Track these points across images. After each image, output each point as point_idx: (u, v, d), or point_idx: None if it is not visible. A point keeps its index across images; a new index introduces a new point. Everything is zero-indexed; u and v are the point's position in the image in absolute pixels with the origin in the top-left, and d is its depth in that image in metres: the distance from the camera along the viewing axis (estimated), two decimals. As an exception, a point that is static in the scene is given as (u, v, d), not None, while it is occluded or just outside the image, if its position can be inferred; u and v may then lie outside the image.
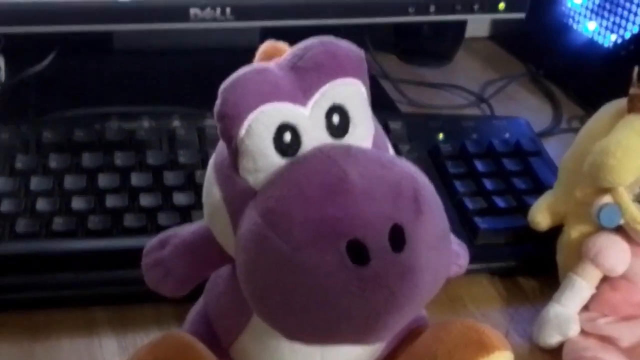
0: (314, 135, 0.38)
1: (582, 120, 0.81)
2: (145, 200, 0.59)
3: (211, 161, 0.41)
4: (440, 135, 0.70)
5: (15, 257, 0.54)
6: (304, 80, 0.37)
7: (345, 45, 0.38)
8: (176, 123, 0.68)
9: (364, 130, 0.39)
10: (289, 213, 0.35)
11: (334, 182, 0.35)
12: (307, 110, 0.37)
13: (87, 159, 0.62)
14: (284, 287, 0.35)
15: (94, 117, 0.69)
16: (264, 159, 0.37)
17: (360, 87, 0.39)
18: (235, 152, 0.37)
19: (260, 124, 0.36)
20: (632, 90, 0.51)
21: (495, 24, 1.00)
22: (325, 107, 0.38)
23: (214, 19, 0.71)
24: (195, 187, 0.61)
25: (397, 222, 0.34)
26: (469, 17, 0.78)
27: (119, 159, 0.62)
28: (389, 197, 0.35)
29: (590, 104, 0.83)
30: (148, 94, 0.77)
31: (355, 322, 0.35)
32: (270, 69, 0.38)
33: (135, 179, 0.61)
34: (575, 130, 0.79)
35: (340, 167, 0.36)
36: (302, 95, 0.37)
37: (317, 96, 0.38)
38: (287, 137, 0.37)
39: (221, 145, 0.40)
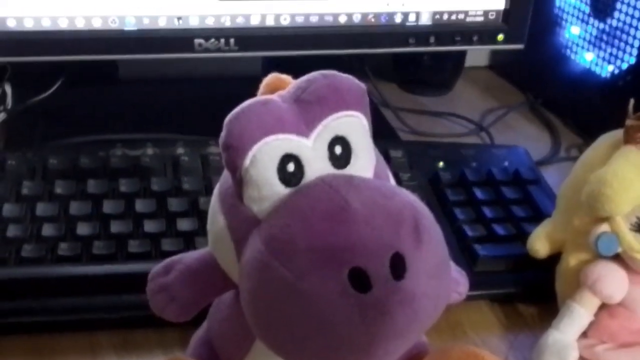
0: (317, 165, 0.38)
1: (581, 149, 0.83)
2: (149, 226, 0.60)
3: (215, 190, 0.42)
4: (441, 164, 0.71)
5: (20, 282, 0.55)
6: (307, 112, 0.38)
7: (348, 79, 0.40)
8: (180, 150, 0.69)
9: (365, 161, 0.40)
10: (293, 241, 0.36)
11: (336, 211, 0.36)
12: (310, 141, 0.38)
13: (93, 186, 0.63)
14: (287, 314, 0.36)
15: (99, 144, 0.70)
16: (268, 188, 0.38)
17: (362, 119, 0.40)
18: (239, 181, 0.38)
19: (264, 155, 0.37)
20: (628, 122, 0.52)
21: (495, 53, 1.02)
22: (328, 138, 0.39)
23: (218, 49, 0.72)
24: (198, 214, 0.61)
25: (398, 251, 0.35)
26: (467, 48, 0.79)
27: (124, 185, 0.63)
28: (390, 226, 0.36)
29: (588, 133, 0.84)
30: (152, 122, 0.78)
31: (357, 349, 0.36)
32: (274, 101, 0.39)
33: (140, 205, 0.62)
34: (574, 159, 0.80)
35: (342, 197, 0.37)
36: (305, 127, 0.38)
37: (319, 128, 0.39)
38: (291, 167, 0.38)
39: (225, 175, 0.41)
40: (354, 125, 0.39)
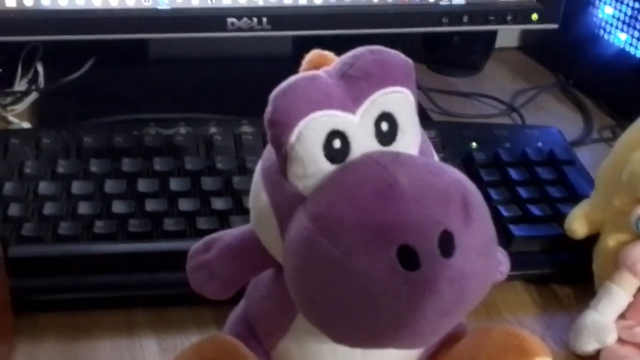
0: (363, 142, 0.38)
1: (613, 131, 0.82)
2: (184, 204, 0.60)
3: (258, 167, 0.42)
4: (474, 144, 0.70)
5: (57, 259, 0.55)
6: (353, 88, 0.38)
7: (395, 55, 0.39)
8: (213, 129, 0.69)
9: (411, 138, 0.40)
10: (340, 218, 0.36)
11: (384, 188, 0.36)
12: (357, 117, 0.38)
13: (127, 164, 0.63)
14: (334, 291, 0.36)
15: (133, 123, 0.70)
16: (313, 165, 0.38)
17: (408, 95, 0.39)
18: (284, 158, 0.38)
19: (310, 131, 0.37)
20: (671, 101, 0.51)
21: (525, 34, 1.01)
22: (375, 114, 0.38)
23: (251, 29, 0.71)
24: (232, 193, 0.62)
25: (446, 228, 0.35)
26: (501, 28, 0.79)
27: (158, 164, 0.64)
28: (439, 203, 0.36)
29: (620, 114, 0.83)
30: (184, 101, 0.78)
31: (404, 327, 0.35)
32: (320, 76, 0.38)
33: (174, 184, 0.62)
34: (607, 140, 0.81)
35: (390, 174, 0.36)
36: (351, 103, 0.38)
37: (366, 104, 0.38)
38: (337, 143, 0.38)
39: (268, 151, 0.41)
40: (401, 101, 0.39)
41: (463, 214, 0.36)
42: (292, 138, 0.37)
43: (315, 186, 0.38)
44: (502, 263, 0.46)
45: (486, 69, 0.95)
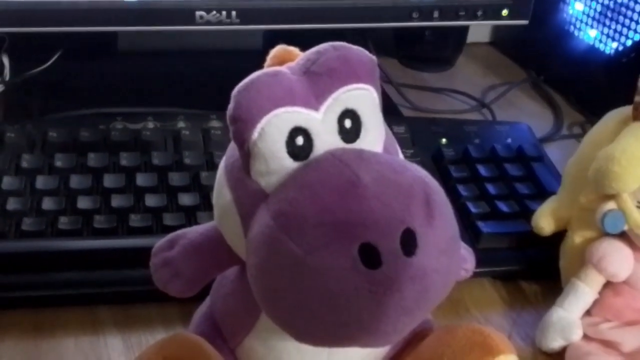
0: (326, 139, 0.38)
1: (583, 127, 0.82)
2: (150, 200, 0.59)
3: (221, 163, 0.42)
4: (443, 140, 0.70)
5: (21, 256, 0.54)
6: (316, 84, 0.38)
7: (358, 51, 0.39)
8: (181, 124, 0.68)
9: (375, 135, 0.39)
10: (302, 216, 0.35)
11: (346, 185, 0.36)
12: (320, 114, 0.38)
13: (93, 159, 0.62)
14: (296, 289, 0.35)
15: (99, 117, 0.70)
16: (276, 162, 0.37)
17: (372, 92, 0.39)
18: (247, 154, 0.38)
19: (273, 127, 0.37)
20: (637, 98, 0.51)
21: (497, 29, 1.01)
22: (338, 111, 0.38)
23: (220, 22, 0.71)
24: (200, 188, 0.61)
25: (409, 226, 0.35)
26: (472, 23, 0.79)
27: (125, 159, 0.63)
28: (401, 201, 0.35)
29: (590, 110, 0.84)
30: (152, 96, 0.78)
31: (366, 325, 0.35)
32: (283, 73, 0.38)
33: (141, 179, 0.61)
34: (576, 137, 0.81)
35: (352, 171, 0.36)
36: (314, 99, 0.38)
37: (329, 101, 0.38)
38: (300, 140, 0.37)
39: (232, 148, 0.41)
40: (365, 98, 0.39)
41: (425, 212, 0.35)
42: (255, 135, 0.37)
43: (277, 183, 0.37)
44: (466, 260, 0.45)
45: (458, 64, 0.95)
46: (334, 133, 0.38)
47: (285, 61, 0.41)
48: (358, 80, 0.38)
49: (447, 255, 0.36)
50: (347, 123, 0.38)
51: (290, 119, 0.37)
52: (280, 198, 0.37)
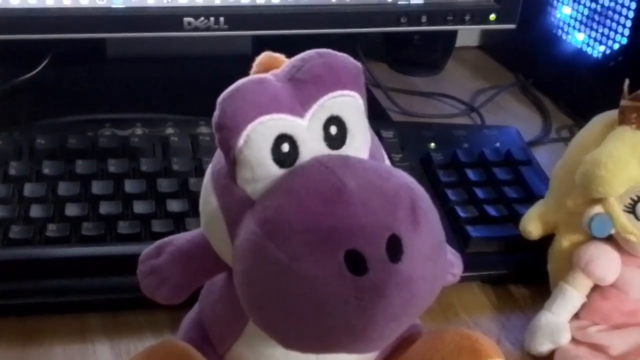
0: (312, 146, 0.38)
1: (571, 130, 0.83)
2: (139, 207, 0.59)
3: (208, 170, 0.42)
4: (432, 144, 0.70)
5: (8, 263, 0.54)
6: (302, 92, 0.38)
7: (343, 58, 0.39)
8: (170, 130, 0.68)
9: (361, 142, 0.39)
10: (288, 223, 0.35)
11: (332, 192, 0.36)
12: (305, 121, 0.38)
13: (81, 166, 0.62)
14: (282, 296, 0.35)
15: (87, 124, 0.69)
16: (262, 169, 0.37)
17: (357, 99, 0.39)
18: (233, 162, 0.38)
19: (258, 135, 0.37)
20: (623, 102, 0.52)
21: (485, 33, 1.01)
22: (323, 118, 0.38)
23: (208, 28, 0.71)
24: (189, 195, 0.61)
25: (394, 233, 0.35)
26: (459, 28, 0.79)
27: (113, 166, 0.63)
28: (387, 207, 0.35)
29: (579, 113, 0.84)
30: (141, 102, 0.77)
31: (352, 332, 0.35)
32: (268, 80, 0.38)
33: (129, 186, 0.61)
34: (565, 140, 0.81)
35: (338, 178, 0.36)
36: (300, 106, 0.38)
37: (314, 108, 0.38)
38: (285, 147, 0.37)
39: (218, 155, 0.41)
40: (350, 105, 0.39)
41: (411, 218, 0.35)
42: (240, 142, 0.37)
43: (263, 190, 0.37)
44: (454, 265, 0.46)
45: (447, 68, 0.96)
46: (319, 140, 0.38)
47: (271, 68, 0.41)
48: (343, 87, 0.38)
49: (433, 261, 0.36)
50: (333, 130, 0.38)
51: (275, 126, 0.37)
52: (266, 205, 0.37)
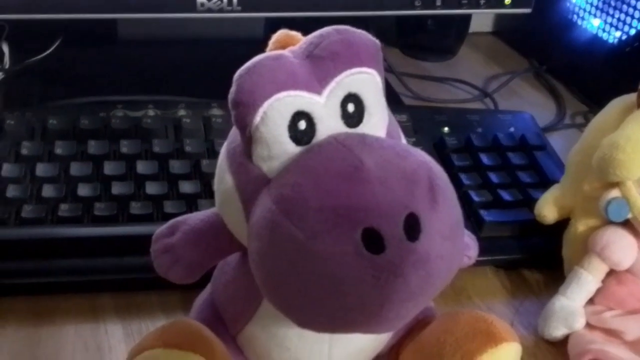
0: (329, 123, 0.38)
1: (586, 116, 0.82)
2: (151, 188, 0.59)
3: (223, 148, 0.41)
4: (446, 129, 0.70)
5: (21, 243, 0.54)
6: (319, 68, 0.37)
7: (361, 35, 0.38)
8: (182, 112, 0.68)
9: (378, 120, 0.39)
10: (305, 201, 0.35)
11: (349, 170, 0.35)
12: (322, 98, 0.37)
13: (93, 147, 0.62)
14: (298, 275, 0.35)
15: (100, 105, 0.69)
16: (278, 147, 0.37)
17: (375, 76, 0.39)
18: (249, 139, 0.37)
19: (275, 112, 0.36)
20: (642, 86, 0.51)
21: (499, 19, 1.00)
22: (341, 95, 0.38)
23: (221, 10, 0.70)
24: (200, 176, 0.61)
25: (412, 211, 0.34)
26: (474, 12, 0.78)
27: (125, 146, 0.62)
28: (405, 185, 0.35)
29: (593, 100, 0.83)
30: (153, 83, 0.77)
31: (369, 311, 0.35)
32: (285, 56, 0.38)
33: (141, 167, 0.61)
34: (579, 126, 0.81)
35: (355, 156, 0.36)
36: (317, 83, 0.37)
37: (332, 85, 0.37)
38: (302, 125, 0.37)
39: (233, 133, 0.40)
40: (368, 82, 0.38)
41: (429, 197, 0.35)
42: (257, 119, 0.36)
43: (280, 168, 0.37)
44: (470, 247, 0.45)
45: (460, 53, 0.95)
46: (336, 117, 0.38)
47: (287, 45, 0.40)
48: (361, 64, 0.38)
49: (450, 241, 0.36)
50: (350, 107, 0.38)
51: (292, 103, 0.37)
52: (282, 183, 0.36)
